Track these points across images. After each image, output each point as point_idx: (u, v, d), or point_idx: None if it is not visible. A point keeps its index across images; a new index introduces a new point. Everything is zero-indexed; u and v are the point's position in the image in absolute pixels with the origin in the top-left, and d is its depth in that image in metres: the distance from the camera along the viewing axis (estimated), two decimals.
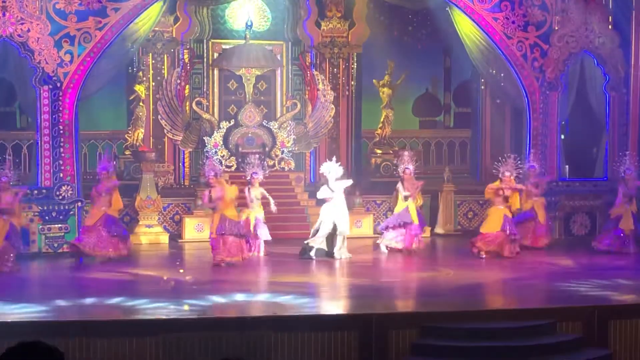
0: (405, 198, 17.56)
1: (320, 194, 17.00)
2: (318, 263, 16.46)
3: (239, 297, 13.35)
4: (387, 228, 17.68)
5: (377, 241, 17.89)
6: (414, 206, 17.61)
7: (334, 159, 17.57)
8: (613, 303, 12.99)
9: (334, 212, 16.69)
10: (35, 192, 17.26)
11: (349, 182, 17.42)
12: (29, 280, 14.99)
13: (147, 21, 18.57)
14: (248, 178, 17.30)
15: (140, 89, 21.01)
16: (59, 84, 17.40)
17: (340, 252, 16.66)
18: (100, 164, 17.15)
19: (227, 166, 21.14)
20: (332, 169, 16.94)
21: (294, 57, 22.35)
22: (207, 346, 10.69)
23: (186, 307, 12.43)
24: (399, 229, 17.48)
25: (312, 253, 16.70)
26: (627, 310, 12.21)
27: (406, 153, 18.44)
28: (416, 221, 17.52)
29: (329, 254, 16.69)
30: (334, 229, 16.67)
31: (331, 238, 16.78)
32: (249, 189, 17.10)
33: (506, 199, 17.22)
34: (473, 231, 20.85)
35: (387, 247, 17.60)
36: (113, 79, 19.56)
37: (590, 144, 20.95)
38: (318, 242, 16.72)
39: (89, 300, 12.77)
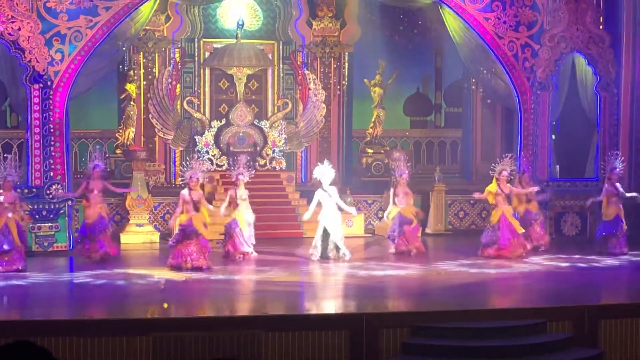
0: (393, 202, 17.60)
1: (313, 202, 16.88)
2: (309, 263, 16.45)
3: (229, 296, 13.38)
4: (394, 238, 17.56)
5: (390, 251, 17.73)
6: (408, 209, 17.58)
7: (326, 161, 17.49)
8: (603, 302, 13.05)
9: (326, 218, 16.66)
10: (26, 190, 17.21)
11: (352, 209, 17.40)
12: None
13: (139, 19, 18.52)
14: (233, 179, 17.23)
15: (131, 87, 21.00)
16: (49, 83, 17.36)
17: (336, 253, 16.63)
18: (93, 161, 16.93)
19: (218, 165, 21.14)
20: (325, 172, 16.89)
21: (285, 56, 22.37)
22: (197, 345, 10.67)
23: (165, 305, 12.45)
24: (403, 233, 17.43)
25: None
26: (618, 310, 12.23)
27: (402, 157, 18.40)
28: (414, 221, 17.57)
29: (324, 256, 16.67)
30: (326, 233, 16.65)
31: (325, 240, 16.74)
32: (235, 190, 17.01)
33: (507, 198, 17.20)
34: (464, 231, 20.91)
35: (397, 251, 17.47)
36: (104, 78, 19.55)
37: (581, 144, 20.96)
38: (318, 250, 16.68)
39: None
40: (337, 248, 16.63)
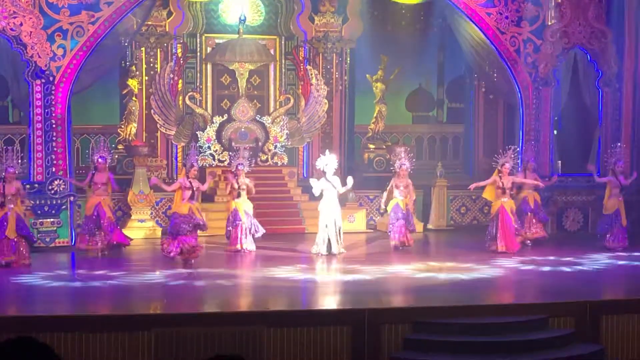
0: (391, 193, 17.63)
1: (316, 190, 16.92)
2: (311, 258, 16.47)
3: (230, 291, 13.39)
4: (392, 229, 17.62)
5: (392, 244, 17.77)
6: (404, 203, 17.55)
7: (327, 151, 17.54)
8: (605, 298, 13.06)
9: (331, 210, 16.69)
10: (28, 186, 17.20)
11: (349, 183, 17.31)
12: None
13: None
14: (233, 170, 17.32)
15: (133, 83, 20.98)
16: (51, 78, 17.36)
17: (337, 247, 16.66)
18: (97, 153, 17.01)
19: (220, 160, 21.14)
20: (328, 162, 16.94)
21: (287, 51, 22.33)
22: (199, 341, 10.68)
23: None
24: (393, 227, 17.45)
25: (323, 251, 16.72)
26: (619, 306, 12.24)
27: (402, 149, 18.42)
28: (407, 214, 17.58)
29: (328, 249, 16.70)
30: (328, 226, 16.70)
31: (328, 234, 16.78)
32: (236, 180, 17.10)
33: (504, 191, 17.17)
34: (466, 226, 20.91)
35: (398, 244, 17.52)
36: (106, 74, 19.54)
37: (583, 139, 20.95)
38: (324, 246, 16.69)
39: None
40: (338, 240, 16.66)
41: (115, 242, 16.59)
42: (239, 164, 17.23)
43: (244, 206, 17.09)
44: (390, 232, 17.52)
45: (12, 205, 15.20)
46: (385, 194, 17.97)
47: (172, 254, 15.56)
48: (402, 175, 17.61)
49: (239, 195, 17.07)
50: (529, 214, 18.12)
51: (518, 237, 17.21)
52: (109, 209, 16.70)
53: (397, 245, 17.33)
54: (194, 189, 15.81)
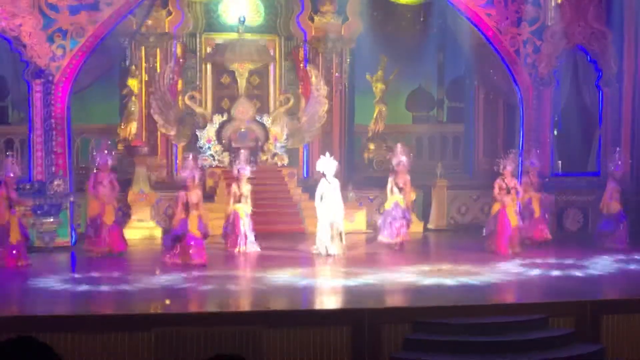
0: (392, 191, 17.60)
1: (317, 197, 16.89)
2: (311, 258, 16.46)
3: (230, 291, 13.39)
4: (381, 229, 17.69)
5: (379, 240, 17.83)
6: (404, 202, 17.55)
7: (327, 154, 17.50)
8: (605, 298, 13.06)
9: (331, 211, 16.66)
10: (28, 186, 17.21)
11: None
12: None
13: None
14: (235, 174, 17.30)
15: (132, 83, 20.99)
16: (51, 78, 17.36)
17: (337, 247, 16.63)
18: (99, 153, 17.06)
19: (219, 161, 21.13)
20: (328, 164, 16.90)
21: (287, 51, 22.34)
22: (199, 341, 10.68)
23: (167, 302, 12.53)
24: (391, 225, 17.46)
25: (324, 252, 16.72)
26: (620, 305, 12.25)
27: (399, 145, 18.40)
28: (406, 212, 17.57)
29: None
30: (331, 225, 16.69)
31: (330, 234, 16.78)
32: (237, 185, 17.08)
33: (508, 192, 17.19)
34: (466, 226, 20.90)
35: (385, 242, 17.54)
36: (105, 73, 19.53)
37: (583, 139, 20.96)
38: (323, 246, 16.68)
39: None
40: (340, 240, 16.63)
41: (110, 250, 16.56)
42: (240, 167, 17.21)
43: (244, 209, 17.09)
44: (385, 229, 17.48)
45: (15, 210, 15.26)
46: (388, 195, 17.95)
47: (169, 261, 15.62)
48: (401, 171, 17.56)
49: (239, 200, 17.07)
50: (535, 216, 18.06)
51: (514, 245, 17.11)
52: (113, 212, 16.67)
53: (394, 244, 17.30)
54: (190, 203, 15.83)
